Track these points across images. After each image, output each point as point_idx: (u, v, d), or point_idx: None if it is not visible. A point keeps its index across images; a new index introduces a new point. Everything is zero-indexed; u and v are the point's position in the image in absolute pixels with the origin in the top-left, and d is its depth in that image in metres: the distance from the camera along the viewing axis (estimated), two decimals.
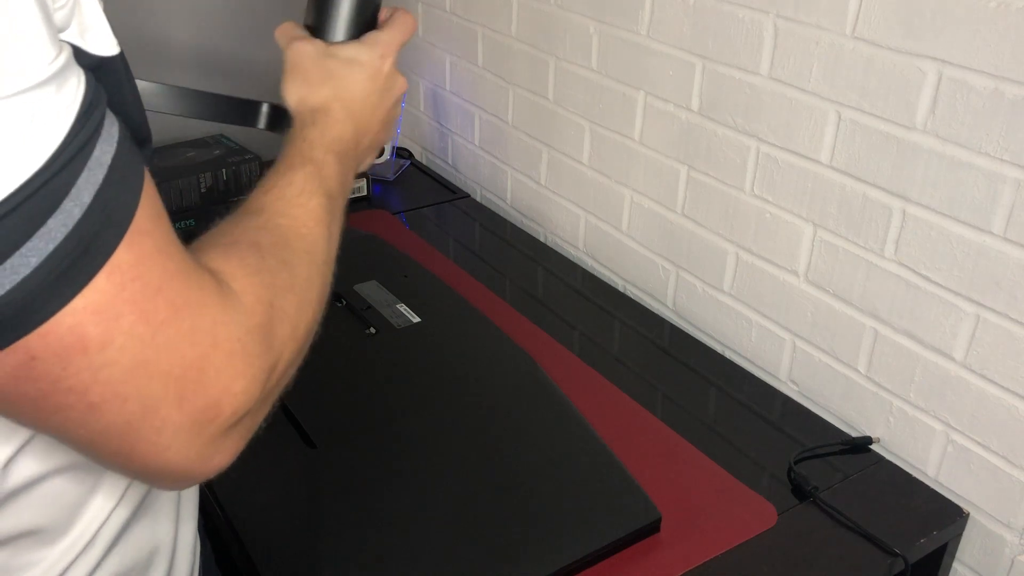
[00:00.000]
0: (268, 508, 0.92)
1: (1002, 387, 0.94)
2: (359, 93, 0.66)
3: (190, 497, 0.66)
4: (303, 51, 0.67)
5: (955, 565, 1.04)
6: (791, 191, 1.11)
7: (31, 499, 0.49)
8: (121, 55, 0.44)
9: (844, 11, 0.99)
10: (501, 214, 1.65)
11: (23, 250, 0.36)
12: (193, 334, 0.41)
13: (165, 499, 0.61)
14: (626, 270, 1.42)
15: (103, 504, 0.53)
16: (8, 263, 0.36)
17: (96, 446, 0.42)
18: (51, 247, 0.36)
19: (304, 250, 0.54)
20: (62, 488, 0.50)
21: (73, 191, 0.37)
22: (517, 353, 1.16)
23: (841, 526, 0.95)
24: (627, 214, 1.38)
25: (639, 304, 1.37)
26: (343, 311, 1.23)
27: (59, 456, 0.49)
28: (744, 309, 1.23)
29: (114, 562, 0.55)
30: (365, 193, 1.66)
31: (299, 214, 0.56)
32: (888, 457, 1.07)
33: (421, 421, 1.04)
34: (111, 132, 0.39)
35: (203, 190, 1.47)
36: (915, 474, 1.05)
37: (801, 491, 0.99)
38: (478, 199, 1.73)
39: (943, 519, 0.98)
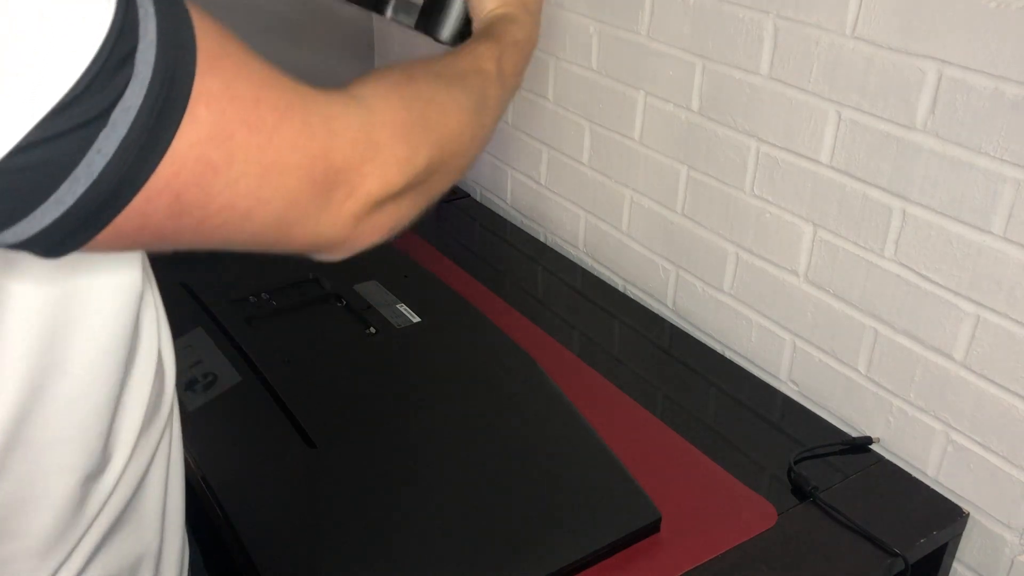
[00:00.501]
0: (268, 508, 0.92)
1: (1002, 387, 0.94)
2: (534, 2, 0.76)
3: (176, 506, 0.65)
4: None
5: (955, 565, 1.04)
6: (791, 191, 1.11)
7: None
8: None
9: (844, 11, 0.99)
10: (501, 214, 1.65)
11: (124, 99, 0.37)
12: (307, 128, 0.44)
13: (150, 507, 0.60)
14: (626, 270, 1.42)
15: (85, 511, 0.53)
16: (112, 116, 0.36)
17: (259, 242, 0.46)
18: (143, 90, 0.37)
19: (466, 84, 0.59)
20: None
21: (140, 30, 0.38)
22: (517, 353, 1.16)
23: (841, 526, 0.95)
24: (627, 214, 1.38)
25: (639, 304, 1.36)
26: (343, 311, 1.23)
27: None
28: (744, 309, 1.23)
29: (97, 570, 0.55)
30: None
31: (470, 63, 0.62)
32: (888, 457, 1.07)
33: (421, 421, 1.04)
34: None
35: None
36: (915, 474, 1.04)
37: (801, 491, 0.99)
38: (478, 199, 1.73)
39: (943, 519, 0.98)
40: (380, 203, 0.49)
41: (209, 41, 0.41)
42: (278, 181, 0.43)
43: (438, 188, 0.55)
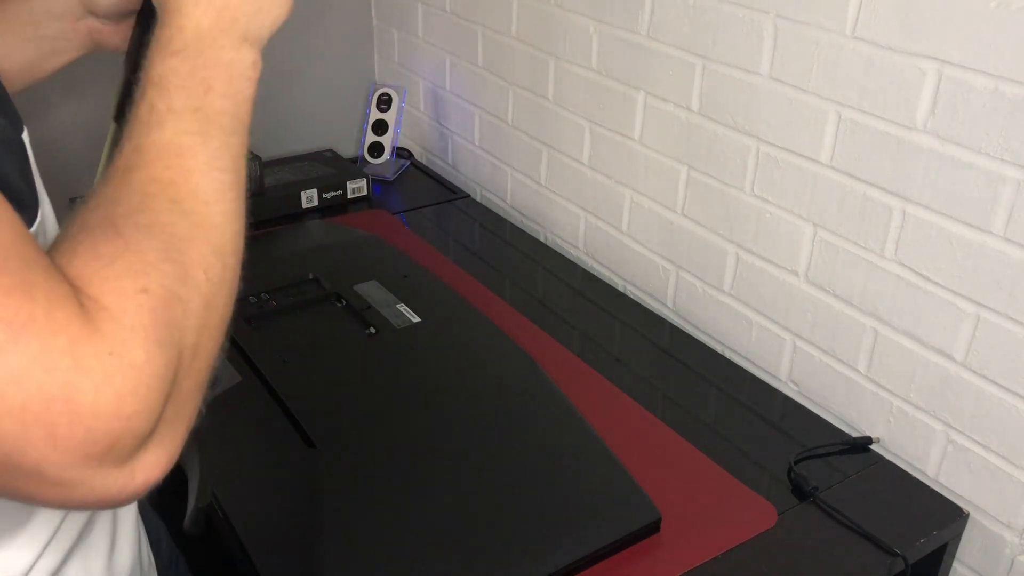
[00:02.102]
0: (268, 508, 0.92)
1: (1002, 387, 0.94)
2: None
3: (127, 530, 0.63)
4: None
5: (955, 565, 1.04)
6: (791, 191, 1.11)
7: None
8: None
9: (844, 11, 0.99)
10: (501, 214, 1.65)
11: None
12: (46, 357, 0.35)
13: (97, 537, 0.58)
14: (626, 270, 1.42)
15: (20, 556, 0.51)
16: None
17: (5, 493, 0.36)
18: None
19: (170, 199, 0.44)
20: None
21: None
22: (517, 353, 1.16)
23: (841, 526, 0.95)
24: (627, 214, 1.38)
25: (639, 304, 1.36)
26: (343, 311, 1.23)
27: None
28: (744, 309, 1.23)
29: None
30: (365, 193, 1.66)
31: (152, 153, 0.45)
32: (888, 457, 1.07)
33: (421, 421, 1.04)
34: None
35: None
36: (915, 474, 1.04)
37: (801, 491, 0.99)
38: (478, 199, 1.73)
39: (943, 519, 0.98)
40: (145, 441, 0.38)
41: None
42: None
43: (202, 375, 0.43)
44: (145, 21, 0.57)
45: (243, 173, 0.48)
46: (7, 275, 0.35)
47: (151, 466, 0.39)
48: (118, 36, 0.70)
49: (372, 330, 1.19)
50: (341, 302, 1.25)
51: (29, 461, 0.35)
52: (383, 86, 1.81)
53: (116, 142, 0.47)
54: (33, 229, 0.47)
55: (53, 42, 0.69)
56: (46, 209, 0.51)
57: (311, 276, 1.30)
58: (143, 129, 0.46)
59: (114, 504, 0.39)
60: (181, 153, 0.45)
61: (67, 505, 0.38)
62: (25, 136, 0.51)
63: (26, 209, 0.45)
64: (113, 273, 0.39)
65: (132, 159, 0.45)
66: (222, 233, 0.45)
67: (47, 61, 0.70)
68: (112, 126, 0.59)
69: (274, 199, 1.57)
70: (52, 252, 0.40)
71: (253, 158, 1.54)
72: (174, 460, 0.40)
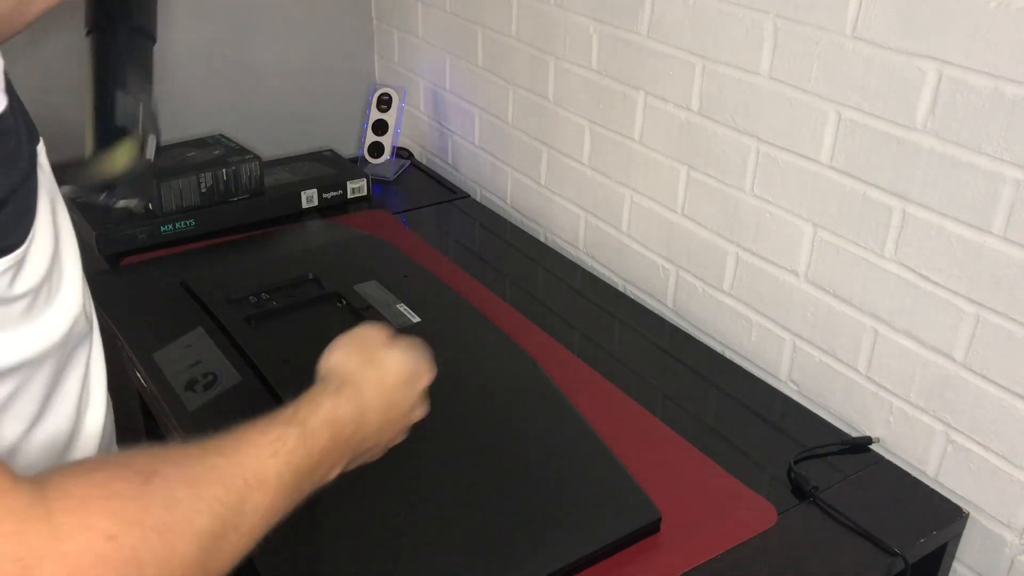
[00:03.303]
0: None
1: (1002, 387, 0.94)
2: (388, 391, 0.66)
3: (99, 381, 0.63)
4: (370, 334, 0.69)
5: (955, 565, 1.04)
6: (791, 191, 1.11)
7: None
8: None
9: (844, 11, 0.99)
10: (501, 214, 1.65)
11: None
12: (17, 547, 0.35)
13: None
14: (626, 270, 1.42)
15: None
16: None
17: None
18: None
19: (219, 499, 0.45)
20: None
21: None
22: (517, 353, 1.16)
23: (841, 526, 0.95)
24: (627, 214, 1.38)
25: (639, 304, 1.37)
26: (343, 311, 1.23)
27: None
28: (744, 309, 1.23)
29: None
30: (365, 193, 1.66)
31: (246, 462, 0.49)
32: (888, 457, 1.07)
33: (421, 421, 1.04)
34: None
35: (203, 190, 1.47)
36: (915, 474, 1.05)
37: (801, 491, 0.99)
38: (478, 199, 1.73)
39: (943, 519, 0.98)
40: None
41: None
42: None
43: None
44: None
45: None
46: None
47: None
48: None
49: None
50: (341, 302, 1.25)
51: None
52: (383, 86, 1.81)
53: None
54: (13, 257, 0.47)
55: None
56: (39, 225, 0.50)
57: (311, 276, 1.30)
58: (264, 440, 0.51)
59: None
60: (264, 484, 0.49)
61: None
62: (40, 147, 0.51)
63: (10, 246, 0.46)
64: (98, 504, 0.39)
65: (231, 446, 0.49)
66: (230, 558, 0.47)
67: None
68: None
69: (274, 199, 1.57)
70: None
71: (253, 158, 1.54)
72: None
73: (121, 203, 0.74)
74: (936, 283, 0.98)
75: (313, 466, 0.56)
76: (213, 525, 0.44)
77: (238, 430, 0.51)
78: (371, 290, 1.27)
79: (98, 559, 0.37)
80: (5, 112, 0.44)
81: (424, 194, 1.73)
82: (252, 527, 0.48)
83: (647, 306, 1.36)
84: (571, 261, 1.49)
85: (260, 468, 0.50)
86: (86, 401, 0.61)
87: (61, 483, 0.39)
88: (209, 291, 1.23)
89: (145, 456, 0.44)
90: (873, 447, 1.08)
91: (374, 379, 0.66)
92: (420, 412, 0.72)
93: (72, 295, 0.55)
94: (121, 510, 0.39)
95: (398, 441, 0.69)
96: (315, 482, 0.57)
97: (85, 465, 0.41)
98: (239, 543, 0.47)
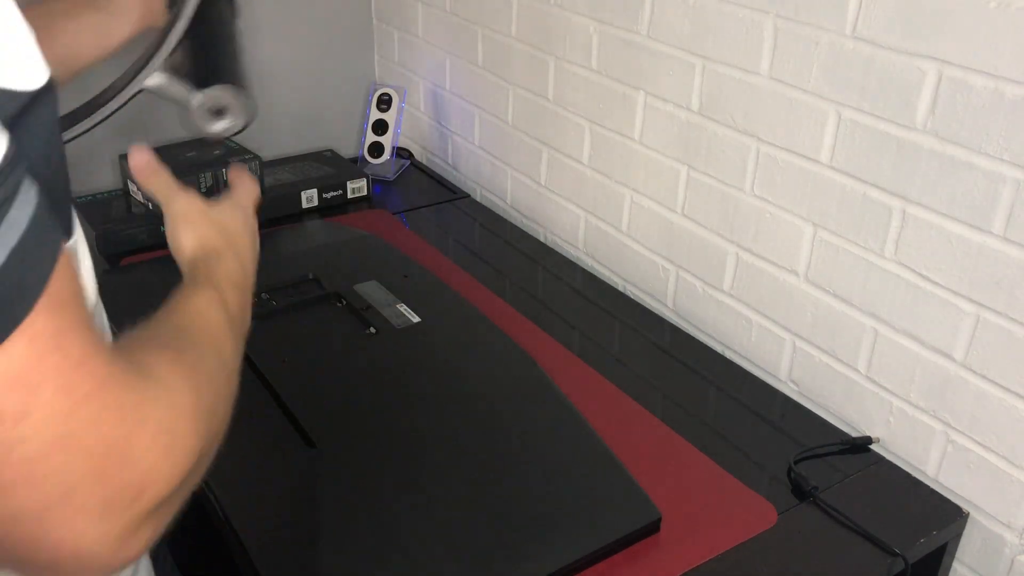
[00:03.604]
0: (268, 508, 0.92)
1: (1002, 387, 0.94)
2: (241, 239, 0.74)
3: None
4: (189, 205, 0.72)
5: (955, 565, 1.04)
6: (791, 191, 1.11)
7: None
8: (50, 85, 0.41)
9: (844, 11, 0.99)
10: (501, 214, 1.65)
11: None
12: (119, 410, 0.39)
13: None
14: (626, 270, 1.42)
15: None
16: None
17: (3, 533, 0.38)
18: None
19: (214, 349, 0.54)
20: None
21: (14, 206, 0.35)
22: (517, 353, 1.16)
23: (841, 526, 0.95)
24: (627, 214, 1.38)
25: (639, 304, 1.36)
26: (343, 311, 1.23)
27: None
28: (744, 309, 1.23)
29: None
30: (365, 193, 1.66)
31: (206, 323, 0.57)
32: (888, 457, 1.07)
33: (421, 421, 1.04)
34: (28, 195, 0.37)
35: (203, 190, 1.47)
36: (915, 474, 1.04)
37: (801, 491, 0.99)
38: (478, 199, 1.73)
39: (943, 519, 0.98)
40: (156, 509, 0.41)
41: (61, 283, 0.38)
42: (64, 460, 0.37)
43: (196, 481, 0.47)
44: None
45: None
46: (93, 337, 0.39)
47: (143, 540, 0.41)
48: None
49: (372, 330, 1.19)
50: (341, 302, 1.25)
51: (74, 499, 0.38)
52: (383, 86, 1.81)
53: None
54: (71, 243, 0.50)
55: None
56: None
57: (311, 276, 1.30)
58: (203, 305, 0.59)
59: (97, 569, 0.40)
60: (225, 333, 0.58)
61: (55, 560, 0.39)
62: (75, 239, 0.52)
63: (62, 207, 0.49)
64: (177, 367, 0.46)
65: (189, 316, 0.57)
66: (232, 392, 0.55)
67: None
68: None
69: (274, 199, 1.57)
70: (118, 343, 0.47)
71: (253, 158, 1.54)
72: (150, 546, 0.43)
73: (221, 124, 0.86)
74: (936, 283, 0.98)
75: (240, 310, 0.64)
76: (219, 369, 0.52)
77: (173, 307, 0.58)
78: (371, 290, 1.27)
79: (187, 400, 0.44)
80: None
81: (424, 194, 1.73)
82: (234, 364, 0.57)
83: (647, 306, 1.36)
84: (571, 261, 1.49)
85: (218, 323, 0.58)
86: None
87: (145, 357, 0.45)
88: None
89: (152, 332, 0.52)
90: (873, 447, 1.08)
91: (235, 234, 0.73)
92: (255, 233, 0.79)
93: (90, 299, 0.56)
94: (182, 368, 0.46)
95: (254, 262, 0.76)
96: (244, 324, 0.64)
97: (135, 341, 0.48)
98: (232, 380, 0.55)
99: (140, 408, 0.40)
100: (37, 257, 0.37)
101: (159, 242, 1.42)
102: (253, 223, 0.78)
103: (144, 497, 0.40)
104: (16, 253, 0.35)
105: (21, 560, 0.39)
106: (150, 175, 0.73)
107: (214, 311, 0.58)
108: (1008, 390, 0.94)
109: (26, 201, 0.37)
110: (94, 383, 0.38)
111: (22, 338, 0.35)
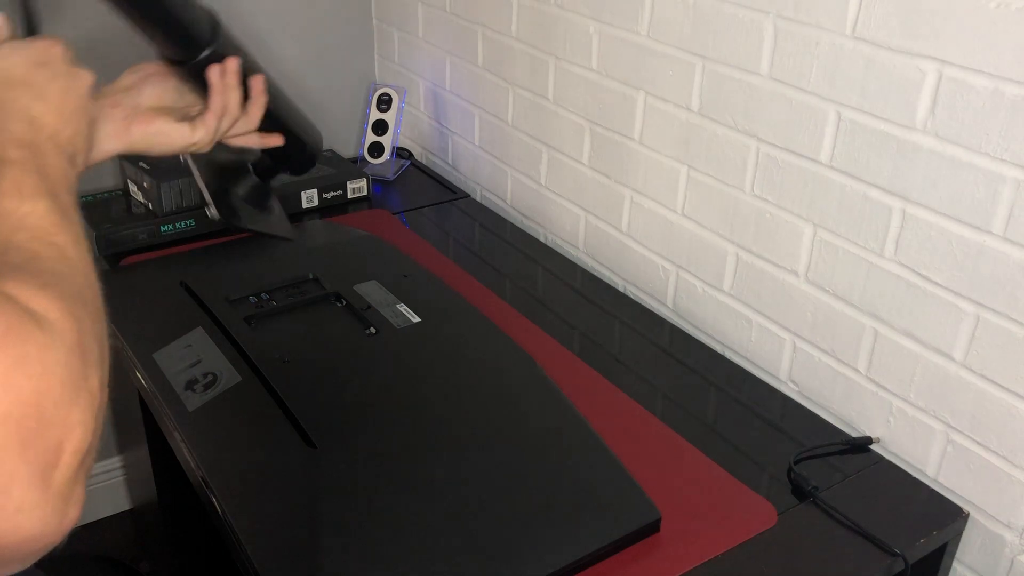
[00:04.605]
0: (268, 508, 0.92)
1: (1002, 387, 0.94)
2: (31, 72, 0.60)
3: None
4: None
5: (955, 565, 1.04)
6: (791, 191, 1.11)
7: None
8: None
9: (844, 11, 0.99)
10: (501, 214, 1.65)
11: None
12: (24, 364, 0.36)
13: None
14: (626, 270, 1.42)
15: None
16: None
17: None
18: None
19: (58, 254, 0.47)
20: None
21: None
22: (517, 353, 1.16)
23: (841, 526, 0.95)
24: (627, 214, 1.38)
25: (639, 304, 1.37)
26: (343, 311, 1.23)
27: None
28: (744, 309, 1.23)
29: None
30: (365, 193, 1.66)
31: (34, 225, 0.48)
32: (888, 457, 1.07)
33: (421, 421, 1.04)
34: None
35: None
36: (915, 474, 1.05)
37: (801, 491, 0.99)
38: (478, 199, 1.73)
39: (943, 519, 0.98)
40: (82, 463, 0.39)
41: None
42: None
43: (102, 421, 0.43)
44: None
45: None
46: None
47: (78, 500, 0.39)
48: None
49: (372, 330, 1.19)
50: (341, 302, 1.25)
51: (1, 474, 0.35)
52: (383, 86, 1.81)
53: None
54: None
55: None
56: None
57: (311, 276, 1.30)
58: (11, 204, 0.49)
59: (41, 544, 0.38)
60: (57, 226, 0.49)
61: (10, 546, 0.37)
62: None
63: None
64: (50, 294, 0.41)
65: (7, 223, 0.48)
66: (97, 297, 0.48)
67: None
68: None
69: None
70: None
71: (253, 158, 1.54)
72: (76, 520, 0.40)
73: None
74: (936, 283, 0.98)
75: (56, 178, 0.54)
76: (77, 280, 0.46)
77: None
78: (371, 290, 1.27)
79: (74, 336, 0.40)
80: None
81: (424, 194, 1.73)
82: (85, 265, 0.49)
83: (647, 306, 1.36)
84: (571, 261, 1.49)
85: (43, 219, 0.49)
86: None
87: (16, 289, 0.40)
88: (209, 291, 1.23)
89: (38, 264, 0.45)
90: (873, 447, 1.08)
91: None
92: (83, 76, 0.65)
93: None
94: (54, 295, 0.41)
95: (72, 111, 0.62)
96: (68, 190, 0.55)
97: (30, 288, 0.42)
98: (92, 283, 0.49)
99: (42, 357, 0.37)
100: None
101: (159, 242, 1.42)
102: (46, 54, 0.62)
103: (66, 455, 0.38)
104: None
105: None
106: None
107: (28, 205, 0.48)
108: (1008, 390, 0.94)
109: None
110: None
111: None
